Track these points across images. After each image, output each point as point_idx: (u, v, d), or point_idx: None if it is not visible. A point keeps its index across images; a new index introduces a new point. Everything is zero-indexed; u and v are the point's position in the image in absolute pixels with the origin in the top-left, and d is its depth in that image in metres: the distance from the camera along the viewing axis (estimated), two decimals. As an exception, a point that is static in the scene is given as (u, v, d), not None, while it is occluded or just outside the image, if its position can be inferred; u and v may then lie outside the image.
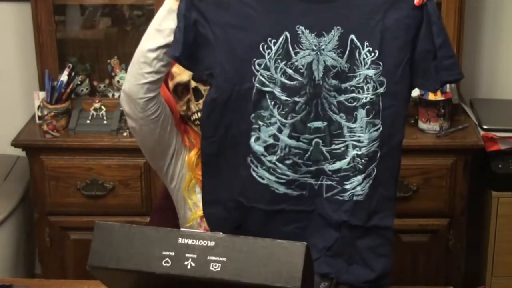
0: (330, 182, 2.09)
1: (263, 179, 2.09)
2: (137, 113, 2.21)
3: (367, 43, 2.02)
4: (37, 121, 3.43)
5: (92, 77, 3.58)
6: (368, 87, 2.03)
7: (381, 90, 2.03)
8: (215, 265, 1.66)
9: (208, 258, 1.66)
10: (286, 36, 2.01)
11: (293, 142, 2.06)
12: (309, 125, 2.06)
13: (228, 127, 2.07)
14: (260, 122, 2.06)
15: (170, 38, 2.06)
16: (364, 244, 2.13)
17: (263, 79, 2.03)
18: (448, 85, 3.21)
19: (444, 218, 3.33)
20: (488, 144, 3.30)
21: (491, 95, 3.70)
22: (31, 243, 3.64)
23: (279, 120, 2.05)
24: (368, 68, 2.02)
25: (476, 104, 3.56)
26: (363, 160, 2.07)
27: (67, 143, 3.31)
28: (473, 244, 3.53)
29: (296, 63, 2.02)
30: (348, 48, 2.02)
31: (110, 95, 3.53)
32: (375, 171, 2.08)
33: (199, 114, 2.32)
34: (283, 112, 2.04)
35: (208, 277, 1.65)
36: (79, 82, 3.47)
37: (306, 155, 2.08)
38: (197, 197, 2.40)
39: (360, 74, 2.03)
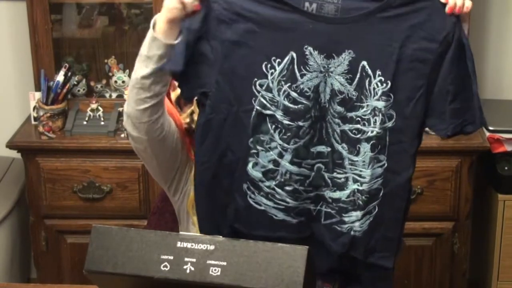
0: (329, 210, 1.99)
1: (261, 205, 1.98)
2: (142, 135, 2.12)
3: (380, 72, 1.89)
4: (33, 122, 3.43)
5: (89, 77, 3.57)
6: (375, 119, 1.91)
7: (389, 124, 1.91)
8: (215, 269, 1.65)
9: (207, 262, 1.66)
10: (292, 56, 1.89)
11: (294, 168, 1.95)
12: (312, 149, 1.94)
13: (224, 152, 1.96)
14: (259, 147, 1.94)
15: (161, 62, 1.96)
16: (366, 274, 2.06)
17: (264, 102, 1.91)
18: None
19: (448, 221, 3.32)
20: (494, 146, 3.30)
21: (497, 96, 3.69)
22: (27, 247, 3.63)
23: (280, 145, 1.93)
24: (378, 100, 1.89)
25: (481, 105, 3.50)
26: (363, 197, 1.96)
27: (63, 144, 3.31)
28: (478, 248, 3.53)
29: (301, 86, 1.90)
30: (358, 75, 1.90)
31: (107, 95, 3.52)
32: (376, 209, 1.97)
33: None
34: (285, 137, 1.93)
35: (207, 282, 1.64)
36: (75, 82, 3.47)
37: (307, 181, 1.96)
38: None
39: (368, 105, 1.91)
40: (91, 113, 3.37)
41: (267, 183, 1.96)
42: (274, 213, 1.99)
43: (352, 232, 1.99)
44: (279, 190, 1.97)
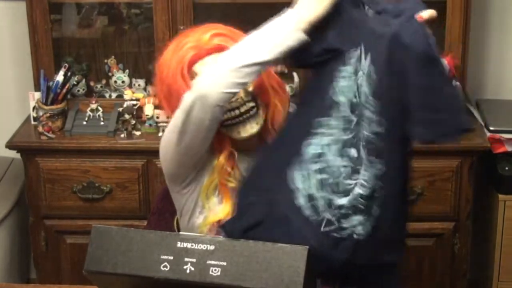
0: (330, 217, 1.98)
1: (293, 183, 1.99)
2: (208, 118, 2.09)
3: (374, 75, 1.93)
4: (32, 122, 3.42)
5: (88, 77, 3.56)
6: (370, 124, 1.93)
7: (378, 129, 1.92)
8: (215, 270, 1.66)
9: (207, 262, 1.66)
10: (361, 49, 1.94)
11: (335, 160, 1.97)
12: (347, 149, 1.97)
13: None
14: (320, 130, 1.97)
15: (276, 55, 1.98)
16: (371, 275, 2.06)
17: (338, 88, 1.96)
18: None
19: (449, 221, 3.30)
20: (495, 146, 3.28)
21: (497, 96, 3.68)
22: (26, 247, 3.62)
23: (335, 133, 1.97)
24: (369, 105, 1.93)
25: (482, 105, 3.54)
26: (364, 200, 1.96)
27: (63, 144, 3.29)
28: (478, 248, 3.51)
29: (358, 81, 1.94)
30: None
31: (107, 95, 3.51)
32: (378, 212, 1.97)
33: (230, 114, 2.20)
34: (341, 127, 1.96)
35: (207, 282, 1.65)
36: (75, 82, 3.46)
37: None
38: (214, 201, 2.31)
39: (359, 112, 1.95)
40: (91, 113, 3.35)
41: (311, 166, 1.97)
42: (297, 196, 1.98)
43: (355, 236, 1.98)
44: (317, 175, 1.97)
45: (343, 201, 1.96)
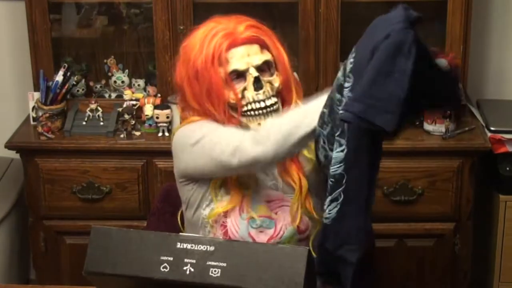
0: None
1: None
2: (255, 169, 2.24)
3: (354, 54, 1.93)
4: (32, 123, 3.42)
5: (88, 77, 3.56)
6: (342, 99, 1.93)
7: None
8: (215, 271, 1.66)
9: (207, 263, 1.66)
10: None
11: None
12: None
13: None
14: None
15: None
16: (340, 272, 2.05)
17: None
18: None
19: (450, 222, 3.30)
20: (496, 146, 3.27)
21: (498, 96, 3.68)
22: (25, 248, 3.62)
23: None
24: (347, 77, 1.92)
25: (483, 105, 3.54)
26: (329, 181, 1.96)
27: (62, 145, 3.29)
28: (479, 249, 3.51)
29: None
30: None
31: (106, 95, 3.51)
32: (342, 196, 1.96)
33: (255, 105, 2.26)
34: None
35: (207, 283, 1.65)
36: (74, 83, 3.45)
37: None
38: (221, 192, 2.32)
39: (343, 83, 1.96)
40: (90, 114, 3.35)
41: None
42: None
43: (324, 220, 1.99)
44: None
45: None
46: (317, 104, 2.03)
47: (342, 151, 1.92)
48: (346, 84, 1.90)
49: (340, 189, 1.95)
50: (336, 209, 1.96)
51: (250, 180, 2.30)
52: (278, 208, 2.31)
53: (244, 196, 2.29)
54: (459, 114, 3.29)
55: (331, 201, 1.97)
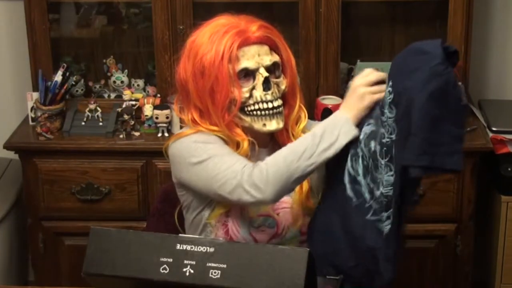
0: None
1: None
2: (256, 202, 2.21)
3: (391, 83, 2.02)
4: (30, 123, 3.41)
5: (87, 77, 3.56)
6: (387, 127, 2.01)
7: (393, 136, 1.99)
8: (215, 272, 1.66)
9: (207, 264, 1.66)
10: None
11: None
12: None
13: None
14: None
15: (334, 153, 2.10)
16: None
17: None
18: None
19: (451, 223, 3.30)
20: (497, 147, 3.27)
21: (500, 96, 3.68)
22: (24, 249, 3.62)
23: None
24: (389, 107, 2.00)
25: (484, 106, 3.54)
26: (384, 199, 2.04)
27: (61, 145, 3.28)
28: (481, 250, 3.51)
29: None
30: None
31: (106, 96, 3.51)
32: (391, 218, 2.04)
33: (263, 105, 2.25)
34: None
35: (207, 284, 1.65)
36: (73, 83, 3.45)
37: None
38: None
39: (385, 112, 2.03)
40: (90, 114, 3.34)
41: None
42: None
43: (383, 227, 2.07)
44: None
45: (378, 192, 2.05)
46: (314, 139, 2.12)
47: (392, 176, 2.00)
48: (390, 115, 1.98)
49: (389, 211, 2.03)
50: (389, 226, 2.05)
51: None
52: (280, 209, 2.31)
53: None
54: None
55: (387, 217, 2.04)
